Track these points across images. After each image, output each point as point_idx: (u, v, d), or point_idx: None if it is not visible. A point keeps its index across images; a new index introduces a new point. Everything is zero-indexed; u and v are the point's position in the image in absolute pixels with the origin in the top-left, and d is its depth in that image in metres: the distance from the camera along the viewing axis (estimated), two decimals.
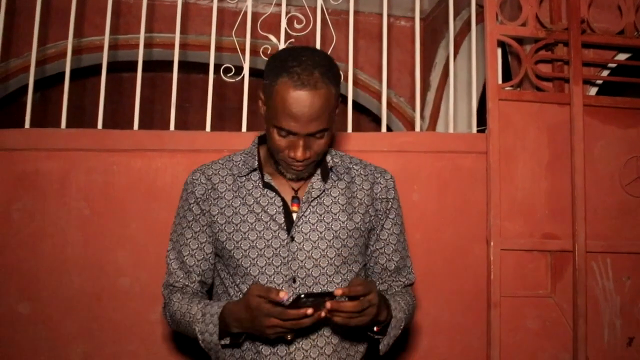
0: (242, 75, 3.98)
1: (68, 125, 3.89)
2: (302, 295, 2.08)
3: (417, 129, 4.21)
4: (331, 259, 2.48)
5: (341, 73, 2.43)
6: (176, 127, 3.91)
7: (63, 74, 3.97)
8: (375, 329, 2.42)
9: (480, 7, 4.17)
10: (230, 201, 2.53)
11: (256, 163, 2.56)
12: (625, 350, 3.83)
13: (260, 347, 2.44)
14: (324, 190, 2.55)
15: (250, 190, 2.54)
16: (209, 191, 2.56)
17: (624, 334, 3.84)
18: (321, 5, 4.11)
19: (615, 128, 3.97)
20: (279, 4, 4.17)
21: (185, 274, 2.59)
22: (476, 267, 3.83)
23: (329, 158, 2.59)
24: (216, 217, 2.54)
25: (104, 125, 3.89)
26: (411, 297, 2.67)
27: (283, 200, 2.52)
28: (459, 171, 3.90)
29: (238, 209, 2.52)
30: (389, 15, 6.64)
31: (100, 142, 3.79)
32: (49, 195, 3.73)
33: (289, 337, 2.27)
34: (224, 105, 8.33)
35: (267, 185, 2.53)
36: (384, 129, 4.08)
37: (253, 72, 4.15)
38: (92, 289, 3.69)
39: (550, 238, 3.84)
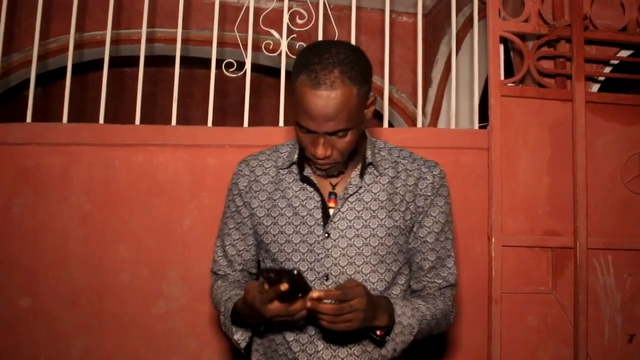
0: (244, 70, 3.98)
1: (70, 120, 3.88)
2: (261, 269, 2.15)
3: (419, 125, 4.21)
4: (367, 257, 2.43)
5: (372, 67, 2.35)
6: (178, 122, 3.91)
7: (65, 68, 3.96)
8: (378, 333, 2.33)
9: (482, 3, 4.17)
10: (271, 193, 2.53)
11: (296, 156, 2.53)
12: (626, 347, 3.83)
13: (291, 343, 2.45)
14: (361, 187, 2.48)
15: (290, 184, 2.53)
16: (252, 183, 2.57)
17: (625, 331, 3.84)
18: (323, 0, 4.10)
19: (617, 125, 3.97)
20: (280, 0, 4.16)
21: (227, 263, 2.63)
22: (477, 263, 3.82)
23: (369, 153, 2.51)
24: (256, 209, 2.54)
25: (106, 120, 3.89)
26: (444, 300, 2.55)
27: (321, 195, 2.48)
28: (460, 167, 3.90)
29: (277, 201, 2.51)
30: (391, 11, 6.65)
31: (101, 136, 3.79)
32: (50, 189, 3.73)
33: (300, 322, 2.26)
34: (226, 100, 8.33)
35: (305, 180, 2.50)
36: (385, 124, 4.08)
37: (255, 67, 4.17)
38: (92, 284, 3.70)
39: (552, 234, 3.83)
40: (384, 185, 2.50)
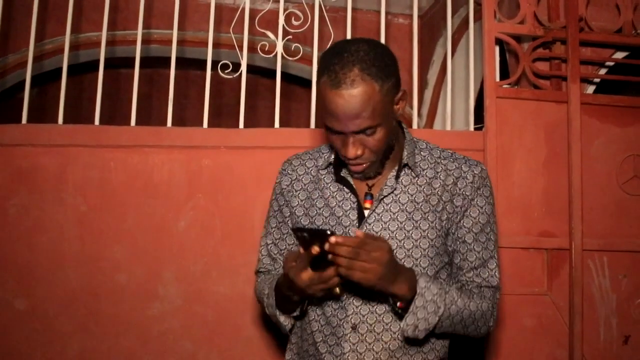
0: (239, 71, 3.98)
1: (65, 121, 3.88)
2: (295, 228, 2.18)
3: (415, 126, 4.21)
4: (401, 259, 2.38)
5: (396, 61, 2.31)
6: (173, 124, 3.90)
7: (61, 69, 3.96)
8: (398, 304, 2.29)
9: (478, 4, 4.18)
10: (310, 193, 2.55)
11: (333, 156, 2.52)
12: (621, 349, 3.83)
13: (319, 344, 2.46)
14: (397, 188, 2.45)
15: (328, 184, 2.53)
16: (293, 182, 2.59)
17: (620, 332, 3.84)
18: (319, 2, 4.10)
19: (612, 126, 3.97)
20: (277, 1, 4.16)
21: (271, 260, 2.65)
22: None
23: (405, 154, 2.46)
24: (295, 208, 2.56)
25: (102, 121, 3.89)
26: (485, 299, 2.43)
27: (357, 197, 2.47)
28: None
29: (315, 201, 2.52)
30: (387, 13, 6.65)
31: (97, 138, 3.79)
32: (45, 190, 3.73)
33: (337, 291, 2.21)
34: (222, 101, 8.34)
35: (342, 180, 2.49)
36: None
37: (250, 68, 4.16)
38: (88, 284, 3.69)
39: (547, 236, 3.84)
40: (421, 186, 2.46)
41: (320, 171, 2.55)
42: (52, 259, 3.69)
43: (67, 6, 4.00)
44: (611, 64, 4.27)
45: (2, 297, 3.66)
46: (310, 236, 2.10)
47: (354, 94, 2.15)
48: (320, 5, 4.11)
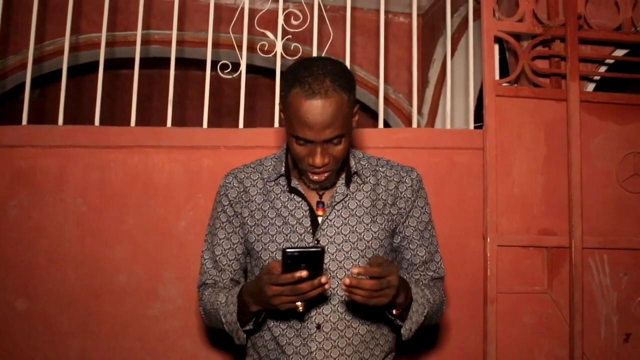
0: (239, 71, 3.98)
1: (66, 122, 3.89)
2: (287, 250, 2.13)
3: (414, 125, 4.21)
4: (355, 260, 2.54)
5: (354, 78, 2.46)
6: (174, 124, 3.91)
7: (61, 71, 3.97)
8: (394, 312, 2.45)
9: (478, 3, 4.17)
10: (260, 204, 2.61)
11: (283, 169, 2.61)
12: (622, 347, 3.83)
13: (284, 347, 2.53)
14: (347, 195, 2.59)
15: (279, 195, 2.61)
16: (241, 194, 2.64)
17: (621, 330, 3.84)
18: (318, 1, 4.11)
19: (612, 124, 3.97)
20: (276, 1, 4.17)
21: (218, 272, 2.67)
22: (473, 263, 3.83)
23: (352, 163, 2.63)
24: (247, 219, 2.62)
25: (102, 122, 3.90)
26: (439, 290, 2.70)
27: (309, 204, 2.57)
28: (455, 167, 3.91)
29: (267, 212, 2.59)
30: (387, 12, 6.67)
31: (97, 138, 3.79)
32: (45, 191, 3.74)
33: (300, 308, 2.27)
34: (221, 101, 8.34)
35: (294, 190, 2.59)
36: (380, 125, 4.08)
37: (250, 68, 4.17)
38: (88, 285, 3.70)
39: (547, 234, 3.84)
40: (367, 192, 2.63)
41: (267, 183, 2.63)
42: (53, 259, 3.70)
43: (67, 7, 4.00)
44: (611, 61, 4.27)
45: (3, 297, 3.66)
46: (302, 255, 2.14)
47: (328, 104, 2.28)
48: (319, 5, 4.11)
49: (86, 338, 3.68)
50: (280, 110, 2.47)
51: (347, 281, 2.18)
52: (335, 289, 2.52)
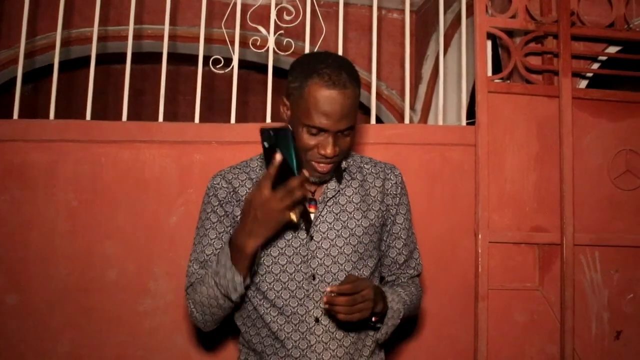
0: (231, 66, 3.98)
1: (58, 117, 3.88)
2: (262, 128, 2.33)
3: (407, 121, 4.21)
4: (348, 255, 2.59)
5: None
6: (166, 119, 3.90)
7: (53, 65, 3.96)
8: (373, 319, 2.52)
9: None
10: None
11: None
12: (613, 344, 3.84)
13: (284, 341, 2.55)
14: (338, 191, 2.65)
15: None
16: (231, 194, 2.64)
17: (612, 327, 3.84)
18: None
19: (604, 121, 3.97)
20: None
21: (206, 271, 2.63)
22: (464, 259, 3.83)
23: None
24: (239, 218, 2.60)
25: (95, 117, 3.89)
26: (416, 287, 2.83)
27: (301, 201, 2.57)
28: (447, 163, 3.91)
29: None
30: (380, 8, 6.67)
31: (88, 133, 3.78)
32: (36, 186, 3.73)
33: (294, 218, 2.32)
34: (214, 96, 8.34)
35: None
36: (373, 121, 4.08)
37: (242, 63, 4.17)
38: (79, 280, 3.69)
39: (539, 231, 3.84)
40: (355, 188, 2.69)
41: (256, 183, 2.59)
42: (43, 254, 3.69)
43: (59, 1, 3.99)
44: (603, 58, 4.27)
45: None
46: (277, 137, 2.31)
47: (346, 96, 2.38)
48: (312, 0, 4.10)
49: (76, 333, 3.67)
50: (284, 105, 2.52)
51: (325, 299, 2.31)
52: (330, 284, 2.53)
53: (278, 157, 2.27)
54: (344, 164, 2.66)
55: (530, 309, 3.80)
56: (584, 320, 3.81)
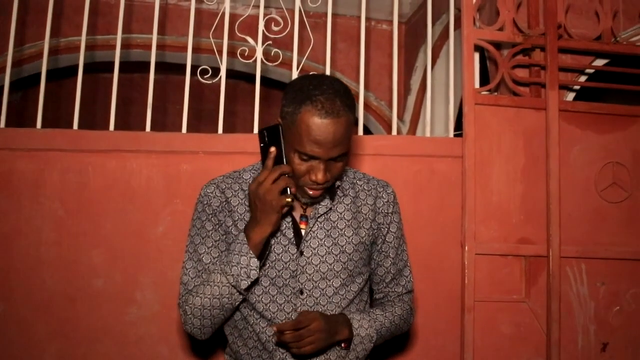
0: (219, 76, 3.98)
1: (47, 125, 3.87)
2: (261, 129, 2.50)
3: (394, 132, 4.21)
4: (337, 272, 2.62)
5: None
6: (154, 128, 3.90)
7: (41, 74, 3.95)
8: (342, 345, 2.58)
9: (459, 11, 4.17)
10: (243, 215, 2.63)
11: None
12: (599, 356, 3.84)
13: (272, 351, 2.59)
14: (330, 208, 2.65)
15: None
16: (223, 203, 2.65)
17: (598, 340, 3.84)
18: (299, 7, 4.10)
19: (591, 133, 3.98)
20: (257, 6, 4.16)
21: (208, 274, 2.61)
22: (451, 271, 3.83)
23: None
24: (230, 228, 2.62)
25: (83, 126, 3.88)
26: (403, 305, 2.80)
27: (292, 217, 2.62)
28: (434, 175, 3.91)
29: None
30: (370, 19, 6.69)
31: (75, 142, 3.77)
32: (23, 195, 3.72)
33: (289, 200, 2.43)
34: (202, 106, 8.33)
35: None
36: (360, 132, 4.08)
37: (231, 73, 4.17)
38: (65, 289, 3.68)
39: (525, 243, 3.84)
40: (347, 205, 2.70)
41: (248, 195, 2.59)
42: (29, 263, 3.68)
43: (47, 10, 3.99)
44: (591, 71, 4.29)
45: None
46: (268, 134, 2.47)
47: (340, 124, 2.37)
48: (300, 11, 4.11)
49: (62, 342, 3.65)
50: (279, 124, 2.51)
51: (275, 339, 2.49)
52: (319, 300, 2.58)
53: (272, 149, 2.43)
54: (337, 182, 2.66)
55: (516, 321, 3.80)
56: (570, 332, 3.81)
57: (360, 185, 2.74)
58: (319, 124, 2.33)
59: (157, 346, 3.69)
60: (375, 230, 2.73)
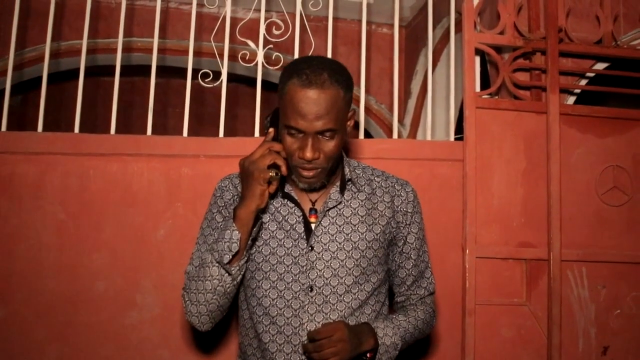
0: (220, 80, 3.97)
1: (47, 129, 3.87)
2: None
3: (395, 136, 4.21)
4: (349, 269, 2.56)
5: (352, 80, 2.51)
6: (155, 132, 3.90)
7: (42, 77, 3.95)
8: (368, 355, 2.52)
9: (460, 15, 4.18)
10: None
11: None
12: (600, 359, 3.83)
13: (275, 353, 2.55)
14: (341, 202, 2.61)
15: (272, 200, 2.61)
16: (235, 197, 2.64)
17: (599, 343, 3.84)
18: (300, 11, 4.11)
19: (592, 137, 3.98)
20: (258, 10, 4.16)
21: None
22: (451, 274, 3.83)
23: (347, 170, 2.64)
24: None
25: (84, 130, 3.88)
26: (426, 308, 2.79)
27: (302, 210, 2.59)
28: (435, 179, 3.91)
29: (260, 216, 2.56)
30: (370, 23, 6.68)
31: (76, 146, 3.77)
32: (24, 198, 3.72)
33: (272, 173, 2.42)
34: (204, 110, 8.33)
35: (286, 196, 2.61)
36: (361, 135, 4.08)
37: (231, 77, 4.16)
38: (66, 293, 3.68)
39: (526, 246, 3.84)
40: (362, 201, 2.65)
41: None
42: (30, 266, 3.67)
43: (49, 14, 3.99)
44: (591, 75, 4.29)
45: None
46: (271, 119, 2.63)
47: (323, 95, 2.32)
48: (301, 15, 4.11)
49: (63, 346, 3.65)
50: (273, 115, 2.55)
51: (301, 348, 2.47)
52: (329, 298, 2.54)
53: (271, 129, 2.45)
54: (347, 175, 2.63)
55: (517, 324, 3.80)
56: (571, 335, 3.81)
57: (378, 182, 2.71)
58: (301, 94, 2.32)
59: (158, 349, 3.69)
60: (394, 229, 2.69)
